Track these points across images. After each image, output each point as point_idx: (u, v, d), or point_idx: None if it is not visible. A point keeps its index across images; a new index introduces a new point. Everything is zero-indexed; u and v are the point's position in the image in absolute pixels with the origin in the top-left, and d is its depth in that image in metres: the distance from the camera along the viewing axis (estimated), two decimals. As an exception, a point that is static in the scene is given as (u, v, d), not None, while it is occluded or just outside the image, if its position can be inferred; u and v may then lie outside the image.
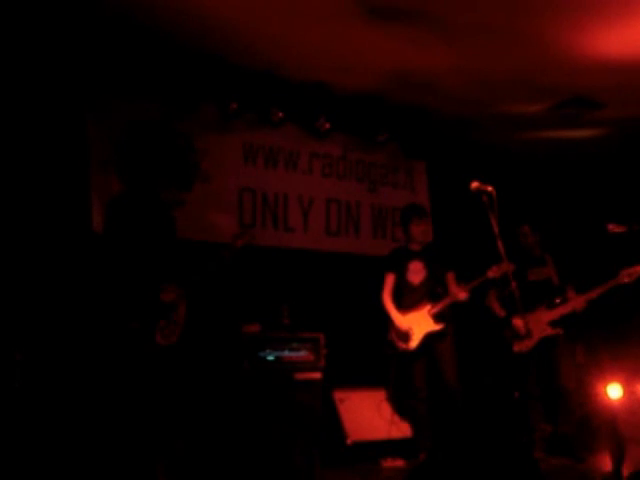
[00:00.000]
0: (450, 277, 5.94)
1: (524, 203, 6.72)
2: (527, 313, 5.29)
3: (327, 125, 6.44)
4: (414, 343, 5.77)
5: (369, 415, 5.95)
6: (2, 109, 5.09)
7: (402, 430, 5.92)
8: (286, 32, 5.24)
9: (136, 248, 4.06)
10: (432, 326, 5.77)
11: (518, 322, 5.71)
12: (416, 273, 5.95)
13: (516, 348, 5.84)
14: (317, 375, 5.66)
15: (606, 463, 5.96)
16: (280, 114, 6.18)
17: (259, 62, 5.72)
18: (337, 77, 6.01)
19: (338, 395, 5.95)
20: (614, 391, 7.15)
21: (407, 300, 5.93)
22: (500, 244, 4.29)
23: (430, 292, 5.90)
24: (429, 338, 5.78)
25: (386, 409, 6.07)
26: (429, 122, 6.88)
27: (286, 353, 5.61)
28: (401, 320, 5.85)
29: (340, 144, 6.82)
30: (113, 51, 5.34)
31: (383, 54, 5.60)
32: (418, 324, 5.79)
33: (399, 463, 5.62)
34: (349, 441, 5.72)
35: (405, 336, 5.80)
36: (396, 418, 6.00)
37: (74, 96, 5.41)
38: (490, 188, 4.40)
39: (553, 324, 5.99)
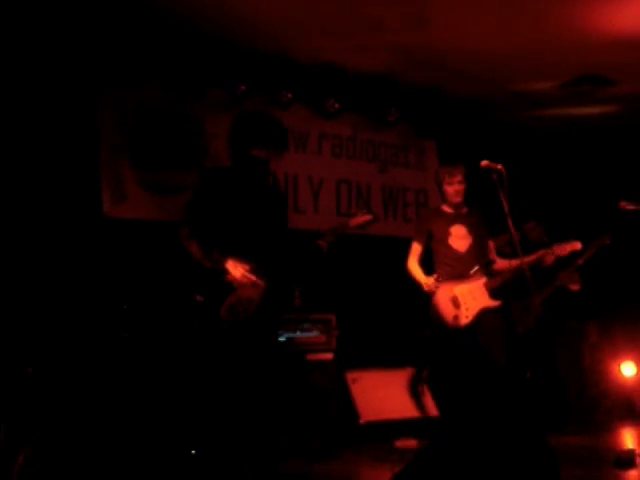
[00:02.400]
0: (491, 246, 5.29)
1: (536, 181, 6.69)
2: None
3: (336, 105, 6.42)
4: (466, 319, 5.01)
5: (382, 395, 5.95)
6: (14, 96, 5.10)
7: (415, 410, 5.94)
8: (294, 13, 5.22)
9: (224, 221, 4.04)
10: (488, 301, 5.04)
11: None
12: (460, 239, 5.20)
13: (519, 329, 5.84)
14: (329, 356, 5.71)
15: (620, 441, 5.98)
16: (289, 95, 6.17)
17: (267, 44, 5.72)
18: (346, 57, 6.00)
19: (350, 375, 5.95)
20: (628, 369, 7.18)
21: (451, 270, 5.15)
22: (510, 222, 4.27)
23: (482, 262, 5.14)
24: (483, 315, 5.03)
25: (400, 389, 6.07)
26: (440, 101, 6.86)
27: (298, 334, 5.65)
28: (433, 283, 5.06)
29: (350, 124, 6.80)
30: (123, 36, 5.35)
31: (393, 33, 5.58)
32: (473, 297, 5.05)
33: (412, 443, 5.60)
34: (362, 421, 5.73)
35: (452, 308, 5.05)
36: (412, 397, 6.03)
37: (84, 82, 5.41)
38: (500, 166, 4.38)
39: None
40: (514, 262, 4.87)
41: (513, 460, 2.99)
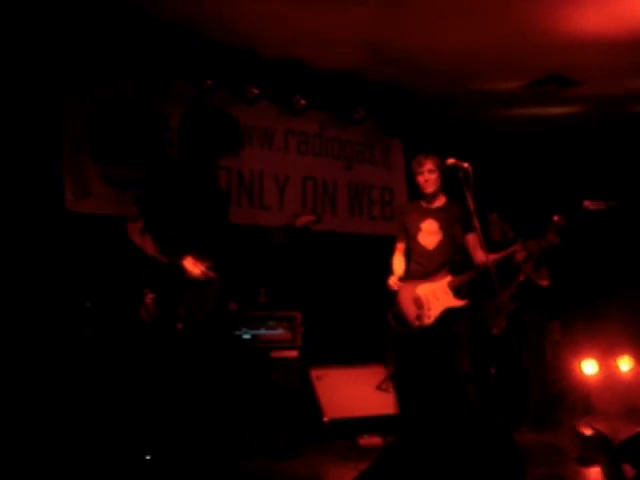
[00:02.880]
0: (471, 240, 4.93)
1: (501, 180, 6.73)
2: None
3: (303, 102, 6.38)
4: (428, 320, 4.86)
5: (346, 393, 5.95)
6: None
7: (379, 407, 5.94)
8: (261, 8, 5.17)
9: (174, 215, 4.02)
10: (452, 301, 4.86)
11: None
12: (430, 235, 4.99)
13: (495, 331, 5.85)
14: (294, 353, 5.69)
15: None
16: (255, 91, 6.11)
17: (234, 38, 5.66)
18: (313, 53, 5.96)
19: (315, 373, 5.95)
20: (589, 367, 7.25)
21: (419, 268, 5.03)
22: (476, 220, 4.28)
23: (448, 260, 4.96)
24: (447, 315, 4.88)
25: (364, 387, 6.07)
26: (406, 99, 6.85)
27: (262, 331, 5.61)
28: (395, 282, 4.97)
29: (316, 121, 6.76)
30: (87, 30, 5.26)
31: (359, 30, 5.55)
32: (436, 297, 4.89)
33: (376, 440, 5.63)
34: (326, 419, 5.72)
35: (414, 308, 4.91)
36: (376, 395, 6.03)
37: (48, 76, 5.32)
38: (466, 164, 4.39)
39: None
40: (491, 257, 4.66)
41: (479, 459, 3.00)
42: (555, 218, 5.28)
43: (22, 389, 4.71)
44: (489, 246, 5.33)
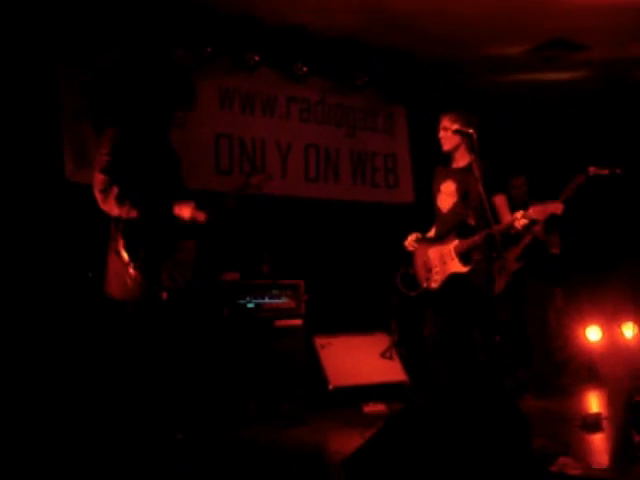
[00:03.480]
0: (498, 201, 4.59)
1: (506, 147, 6.66)
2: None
3: (304, 69, 6.31)
4: (435, 284, 4.68)
5: (350, 361, 5.95)
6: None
7: (384, 375, 5.95)
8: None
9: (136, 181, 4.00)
10: (457, 267, 4.59)
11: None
12: (447, 197, 4.72)
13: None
14: (297, 322, 5.70)
15: (585, 405, 6.05)
16: (256, 58, 6.05)
17: (234, 4, 5.58)
18: (314, 19, 5.87)
19: (319, 341, 5.95)
20: (593, 334, 7.27)
21: (437, 231, 4.83)
22: (480, 187, 4.22)
23: (459, 223, 4.64)
24: (452, 280, 4.63)
25: (368, 354, 6.08)
26: (409, 65, 6.78)
27: (266, 300, 5.62)
28: (410, 242, 4.81)
29: (318, 88, 6.69)
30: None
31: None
32: (442, 261, 4.67)
33: (380, 407, 5.63)
34: (330, 386, 5.73)
35: (424, 270, 4.75)
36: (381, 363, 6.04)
37: (45, 46, 5.26)
38: (471, 130, 4.32)
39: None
40: (508, 218, 4.44)
41: (484, 425, 2.99)
42: (582, 178, 5.17)
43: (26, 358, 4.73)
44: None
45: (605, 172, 5.12)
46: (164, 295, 3.83)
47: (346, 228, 6.63)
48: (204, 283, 5.41)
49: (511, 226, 4.35)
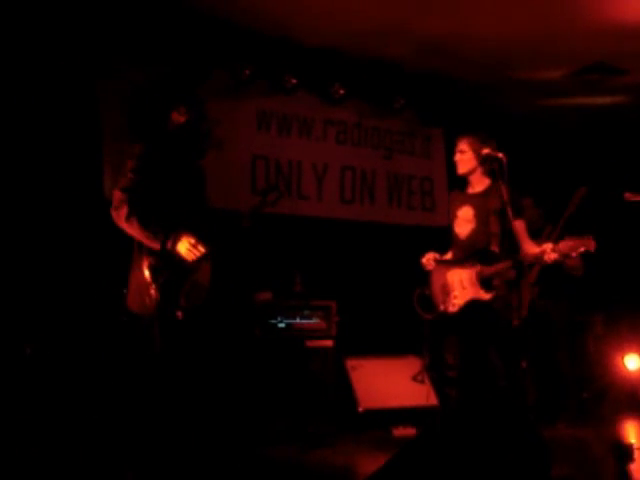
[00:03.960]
0: (517, 227, 4.41)
1: (541, 171, 6.63)
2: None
3: (341, 91, 6.36)
4: (453, 308, 4.55)
5: (381, 383, 5.94)
6: (16, 80, 5.09)
7: (414, 398, 5.91)
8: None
9: (156, 201, 4.03)
10: (478, 293, 4.45)
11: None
12: (465, 223, 4.63)
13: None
14: (328, 343, 5.72)
15: (621, 434, 5.94)
16: (293, 80, 6.12)
17: (273, 27, 5.67)
18: (351, 42, 5.93)
19: (350, 363, 5.95)
20: (632, 362, 7.13)
21: (454, 256, 4.74)
22: (509, 211, 4.19)
23: (480, 249, 4.52)
24: (472, 306, 4.50)
25: (399, 377, 6.06)
26: (447, 88, 6.79)
27: (297, 320, 5.65)
28: (429, 260, 4.72)
29: (355, 111, 6.72)
30: (126, 19, 5.30)
31: (398, 20, 5.51)
32: (462, 286, 4.54)
33: (410, 431, 5.61)
34: (360, 409, 5.72)
35: (441, 292, 4.65)
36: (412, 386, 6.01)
37: (86, 64, 5.37)
38: (501, 155, 4.29)
39: None
40: (536, 249, 4.32)
41: (500, 450, 2.97)
42: (582, 191, 5.15)
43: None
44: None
45: (640, 198, 5.06)
46: (179, 314, 3.88)
47: (380, 250, 6.63)
48: (236, 302, 5.48)
49: (540, 258, 4.26)
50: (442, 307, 4.60)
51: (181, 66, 5.66)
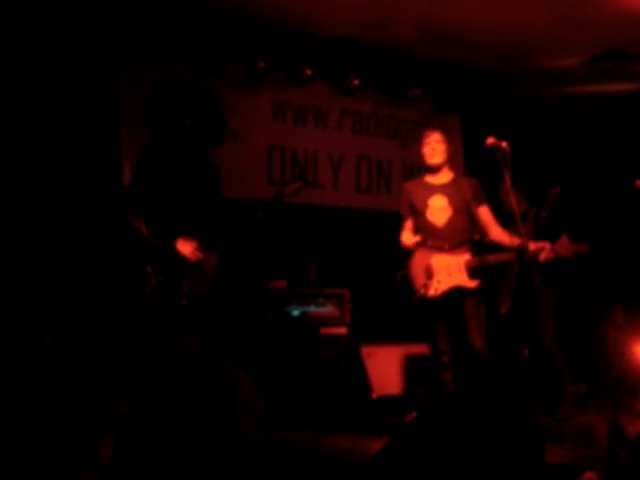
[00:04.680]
0: (482, 214, 4.79)
1: (556, 157, 6.62)
2: None
3: (356, 82, 6.40)
4: (434, 292, 4.68)
5: (395, 370, 5.99)
6: (36, 74, 5.22)
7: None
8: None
9: (164, 197, 4.22)
10: (464, 281, 4.67)
11: None
12: (439, 211, 4.79)
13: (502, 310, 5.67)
14: (342, 330, 5.78)
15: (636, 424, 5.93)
16: (308, 71, 6.18)
17: (287, 19, 5.73)
18: (367, 32, 5.97)
19: (365, 350, 6.00)
20: (649, 351, 7.09)
21: (431, 244, 4.79)
22: (513, 200, 4.24)
23: (465, 236, 4.75)
24: (455, 293, 4.69)
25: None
26: (462, 76, 6.80)
27: (312, 308, 5.73)
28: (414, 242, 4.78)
29: (370, 100, 6.77)
30: (141, 13, 5.41)
31: (413, 8, 5.53)
32: (448, 272, 4.69)
33: (424, 418, 5.65)
34: (374, 395, 5.79)
35: (423, 276, 4.73)
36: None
37: (105, 57, 5.49)
38: (505, 144, 4.32)
39: None
40: (515, 240, 4.54)
41: (492, 435, 3.03)
42: (555, 190, 5.18)
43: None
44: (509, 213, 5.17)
45: (652, 186, 5.05)
46: (184, 301, 4.01)
47: (393, 237, 6.67)
48: (250, 291, 5.58)
49: (536, 255, 4.39)
50: (422, 290, 4.69)
51: (196, 60, 5.76)
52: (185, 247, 4.18)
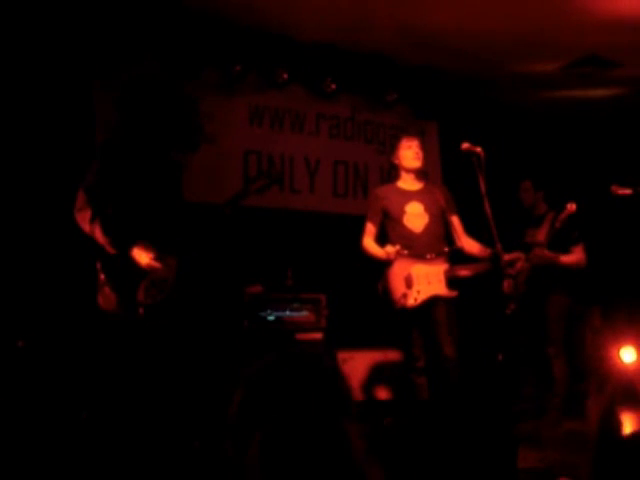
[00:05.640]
0: (455, 222, 4.86)
1: (535, 162, 6.62)
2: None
3: (333, 86, 6.37)
4: (413, 302, 4.66)
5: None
6: (11, 74, 5.16)
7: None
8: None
9: (122, 199, 4.01)
10: (443, 290, 4.69)
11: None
12: (416, 218, 4.80)
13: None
14: (318, 335, 5.75)
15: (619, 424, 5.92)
16: (285, 75, 6.14)
17: (263, 23, 5.72)
18: (343, 37, 5.97)
19: (341, 355, 5.96)
20: (628, 355, 7.12)
21: (407, 250, 4.76)
22: (487, 205, 4.23)
23: (442, 244, 4.79)
24: (433, 302, 4.70)
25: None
26: (440, 81, 6.80)
27: (287, 313, 5.69)
28: (390, 250, 4.70)
29: (348, 105, 6.75)
30: (118, 14, 5.36)
31: (390, 13, 5.53)
32: (427, 281, 4.68)
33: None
34: (351, 401, 5.75)
35: (403, 286, 4.71)
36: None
37: (80, 62, 5.43)
38: (479, 149, 4.33)
39: None
40: (487, 250, 4.55)
41: (464, 441, 3.01)
42: (571, 207, 5.19)
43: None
44: (522, 213, 5.49)
45: (628, 192, 5.07)
46: (140, 310, 3.89)
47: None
48: (224, 296, 5.53)
49: (512, 264, 4.41)
50: (402, 301, 4.68)
51: (173, 63, 5.72)
52: (141, 257, 3.93)
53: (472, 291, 4.91)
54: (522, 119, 7.40)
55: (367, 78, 6.56)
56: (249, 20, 5.66)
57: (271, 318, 5.59)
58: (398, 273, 4.75)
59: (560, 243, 5.42)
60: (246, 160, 6.22)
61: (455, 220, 4.87)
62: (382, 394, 5.88)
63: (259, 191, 4.35)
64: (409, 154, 4.85)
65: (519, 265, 4.59)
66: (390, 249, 4.70)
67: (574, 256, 5.60)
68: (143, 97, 4.52)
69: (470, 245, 4.81)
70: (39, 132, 5.27)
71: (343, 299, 6.05)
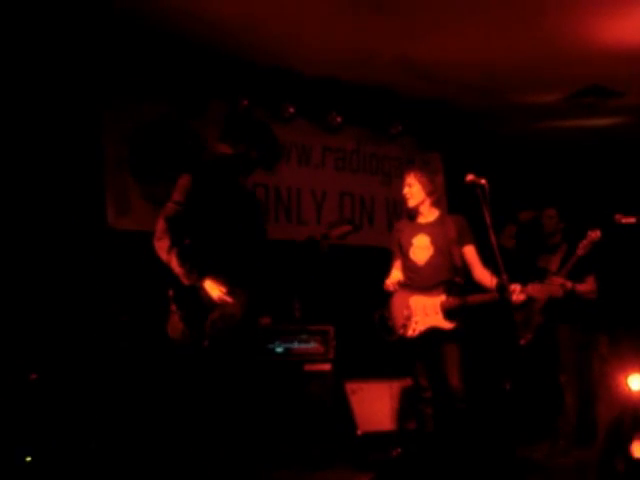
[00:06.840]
0: (468, 253, 4.78)
1: (541, 192, 6.66)
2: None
3: (338, 119, 6.48)
4: (412, 333, 4.72)
5: (380, 406, 5.97)
6: (21, 110, 5.24)
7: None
8: (295, 27, 5.31)
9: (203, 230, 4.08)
10: (439, 322, 4.69)
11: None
12: (421, 250, 4.81)
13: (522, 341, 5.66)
14: (326, 367, 5.76)
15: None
16: (291, 109, 6.25)
17: (268, 58, 5.80)
18: (348, 71, 6.05)
19: (350, 386, 5.98)
20: (636, 382, 7.10)
21: (411, 283, 4.84)
22: (492, 236, 4.27)
23: (443, 277, 4.75)
24: (433, 333, 4.71)
25: (398, 400, 6.09)
26: (443, 113, 6.89)
27: (295, 345, 5.71)
28: (392, 284, 4.81)
29: (353, 137, 6.85)
30: (126, 52, 5.47)
31: (393, 47, 5.62)
32: (425, 313, 4.73)
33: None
34: (359, 432, 5.76)
35: (402, 316, 4.78)
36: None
37: (89, 97, 5.53)
38: (483, 181, 4.37)
39: None
40: (494, 280, 4.43)
41: (471, 471, 3.02)
42: (595, 234, 5.25)
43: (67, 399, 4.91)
44: (543, 238, 5.56)
45: (632, 221, 5.11)
46: (205, 343, 3.92)
47: (378, 274, 6.69)
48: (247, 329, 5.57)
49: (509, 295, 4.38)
50: (402, 331, 4.76)
51: (180, 99, 5.82)
52: (213, 290, 3.98)
53: (481, 321, 4.92)
54: (525, 149, 7.46)
55: (372, 111, 6.68)
56: (255, 56, 5.75)
57: (280, 350, 5.62)
58: (399, 303, 4.84)
59: (576, 272, 5.47)
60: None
61: (468, 251, 4.80)
62: (391, 425, 5.89)
63: (340, 237, 4.27)
64: (404, 194, 4.91)
65: (514, 297, 4.46)
66: (388, 281, 4.83)
67: (589, 285, 5.67)
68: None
69: (482, 276, 4.72)
70: (48, 166, 5.36)
71: (351, 330, 6.06)
